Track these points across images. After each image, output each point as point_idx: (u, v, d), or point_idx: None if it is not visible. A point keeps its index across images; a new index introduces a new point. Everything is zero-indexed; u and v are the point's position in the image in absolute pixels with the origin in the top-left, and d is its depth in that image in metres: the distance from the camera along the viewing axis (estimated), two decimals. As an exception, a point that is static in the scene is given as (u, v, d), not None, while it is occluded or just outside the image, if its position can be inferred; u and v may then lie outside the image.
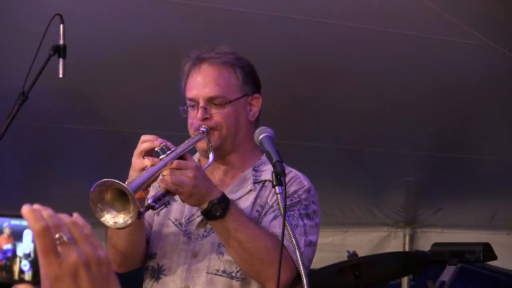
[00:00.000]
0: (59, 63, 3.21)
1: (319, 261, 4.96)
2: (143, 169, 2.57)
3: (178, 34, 4.35)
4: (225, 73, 2.82)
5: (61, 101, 4.71)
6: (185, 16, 4.34)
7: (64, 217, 1.18)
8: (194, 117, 2.80)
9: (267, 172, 2.82)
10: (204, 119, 2.78)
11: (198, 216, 2.80)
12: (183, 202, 2.74)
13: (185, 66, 2.87)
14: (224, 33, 4.20)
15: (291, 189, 2.78)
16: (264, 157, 2.82)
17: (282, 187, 2.48)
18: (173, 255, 2.82)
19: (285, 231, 2.47)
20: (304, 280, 2.46)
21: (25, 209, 1.15)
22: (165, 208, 2.87)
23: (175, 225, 2.85)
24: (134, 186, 2.45)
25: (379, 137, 5.43)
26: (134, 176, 2.58)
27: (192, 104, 2.82)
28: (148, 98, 4.83)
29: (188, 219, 2.84)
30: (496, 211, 5.92)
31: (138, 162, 2.61)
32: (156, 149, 2.62)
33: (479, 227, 5.98)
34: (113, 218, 2.45)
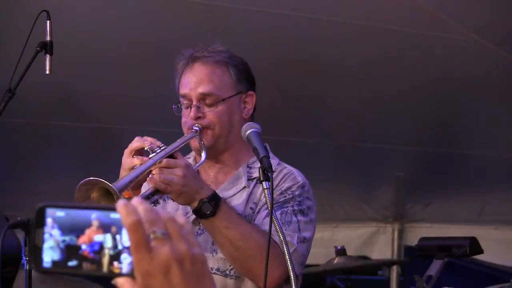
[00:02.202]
0: (46, 60, 3.21)
1: (309, 257, 4.96)
2: (133, 168, 2.57)
3: (167, 31, 4.34)
4: (218, 72, 2.81)
5: (48, 98, 4.69)
6: (173, 12, 4.33)
7: (162, 212, 1.15)
8: (187, 116, 2.80)
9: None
10: (197, 117, 2.78)
11: (192, 214, 2.79)
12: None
13: (178, 65, 2.86)
14: (212, 29, 4.19)
15: (284, 185, 2.77)
16: (259, 154, 2.81)
17: (270, 182, 2.48)
18: (168, 254, 2.80)
19: (274, 227, 2.47)
20: (292, 276, 2.47)
21: (120, 203, 1.13)
22: (160, 205, 2.85)
23: (170, 223, 2.84)
24: (119, 185, 2.44)
25: (368, 132, 5.44)
26: (124, 175, 2.58)
27: (185, 102, 2.82)
28: (136, 95, 4.81)
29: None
30: (485, 205, 5.94)
31: (127, 161, 2.61)
32: (146, 148, 2.62)
33: (467, 222, 5.99)
34: None
